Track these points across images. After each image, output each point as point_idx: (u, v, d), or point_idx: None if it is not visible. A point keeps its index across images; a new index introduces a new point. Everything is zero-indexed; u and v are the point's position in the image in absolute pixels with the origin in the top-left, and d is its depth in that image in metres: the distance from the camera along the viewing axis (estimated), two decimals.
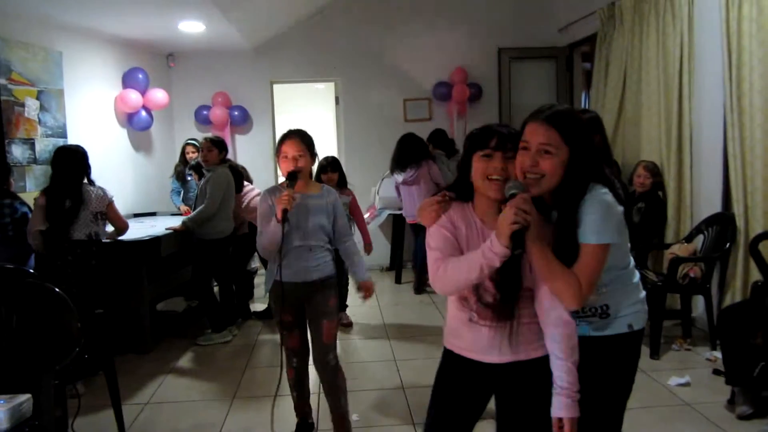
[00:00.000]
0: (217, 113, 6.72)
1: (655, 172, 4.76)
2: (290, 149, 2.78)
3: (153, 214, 5.99)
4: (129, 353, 4.37)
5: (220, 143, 4.67)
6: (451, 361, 1.87)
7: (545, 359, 1.73)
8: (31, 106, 4.51)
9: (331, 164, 4.73)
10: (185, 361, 4.35)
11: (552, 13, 6.99)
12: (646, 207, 4.67)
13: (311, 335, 2.89)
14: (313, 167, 2.97)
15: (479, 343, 1.78)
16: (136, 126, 5.98)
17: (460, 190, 1.81)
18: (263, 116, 7.10)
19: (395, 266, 6.79)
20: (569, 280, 1.65)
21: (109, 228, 4.08)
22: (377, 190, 6.62)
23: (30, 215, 3.84)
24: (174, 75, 6.92)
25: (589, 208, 1.67)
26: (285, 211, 2.61)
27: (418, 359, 4.20)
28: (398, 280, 6.56)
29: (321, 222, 2.83)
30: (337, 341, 2.93)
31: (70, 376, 2.84)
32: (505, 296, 1.71)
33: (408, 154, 5.77)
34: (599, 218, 1.66)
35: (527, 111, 1.79)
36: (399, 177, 5.81)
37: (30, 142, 4.51)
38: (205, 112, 6.81)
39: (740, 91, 4.04)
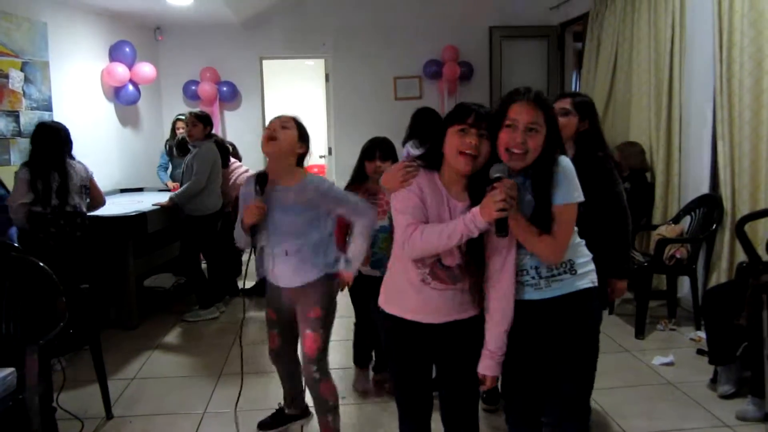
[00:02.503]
0: (206, 88, 6.64)
1: (636, 150, 4.80)
2: (277, 120, 2.44)
3: (140, 189, 5.93)
4: (115, 329, 4.36)
5: (205, 118, 4.61)
6: (396, 327, 1.98)
7: (478, 318, 1.92)
8: (16, 78, 4.44)
9: (383, 147, 3.20)
10: (172, 337, 4.34)
11: None
12: (632, 188, 4.68)
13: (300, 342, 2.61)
14: (299, 151, 2.47)
15: (428, 305, 1.90)
16: (123, 100, 5.90)
17: (431, 160, 1.89)
18: (252, 92, 7.03)
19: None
20: (546, 241, 1.84)
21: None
22: None
23: (8, 195, 3.78)
24: (162, 49, 6.82)
25: (560, 174, 1.85)
26: (253, 226, 2.39)
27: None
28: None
29: (294, 221, 2.40)
30: (327, 354, 2.60)
31: (55, 351, 2.83)
32: (470, 261, 1.85)
33: (427, 128, 5.63)
34: (569, 181, 1.85)
35: None
36: (414, 150, 5.66)
37: (14, 115, 4.44)
38: (193, 87, 6.73)
39: (730, 72, 4.03)
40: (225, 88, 6.77)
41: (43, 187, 3.67)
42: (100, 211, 4.18)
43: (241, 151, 5.61)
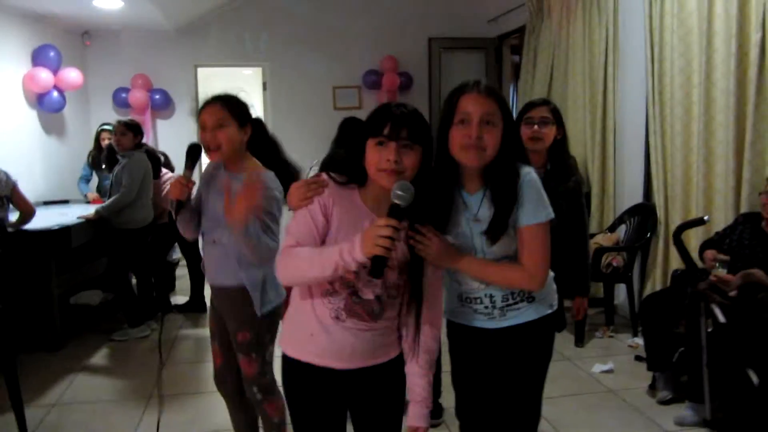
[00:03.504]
0: (137, 96, 6.37)
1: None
2: (208, 118, 2.12)
3: (65, 201, 5.62)
4: (37, 351, 4.07)
5: (134, 127, 4.40)
6: (298, 374, 1.64)
7: (397, 360, 1.67)
8: None
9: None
10: (99, 358, 4.09)
11: (482, 4, 7.00)
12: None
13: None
14: (245, 139, 2.20)
15: (336, 346, 1.58)
16: (47, 107, 5.58)
17: (349, 174, 1.59)
18: (187, 101, 6.79)
19: None
20: (516, 272, 1.69)
21: (13, 216, 3.80)
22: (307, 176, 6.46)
23: None
24: (90, 54, 6.51)
25: (526, 190, 1.66)
26: (178, 203, 2.12)
27: None
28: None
29: (220, 209, 2.08)
30: (269, 371, 2.32)
31: None
32: (401, 290, 1.60)
33: (353, 139, 5.59)
34: (537, 198, 1.67)
35: None
36: None
37: None
38: (123, 95, 6.45)
39: (662, 85, 4.14)
40: (157, 96, 6.52)
41: None
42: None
43: (173, 161, 5.39)
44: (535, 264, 1.67)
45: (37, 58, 5.44)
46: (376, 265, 1.39)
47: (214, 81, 7.98)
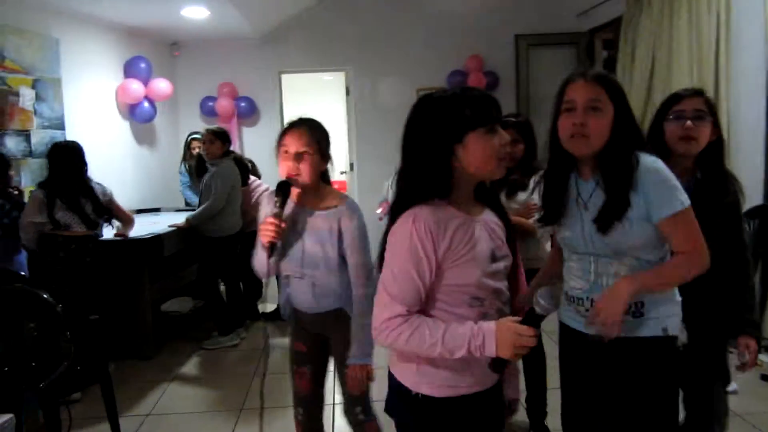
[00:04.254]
0: (223, 104, 6.44)
1: None
2: (293, 142, 2.01)
3: (157, 210, 5.73)
4: (130, 359, 4.11)
5: (222, 134, 4.40)
6: (449, 412, 1.46)
7: None
8: (26, 96, 4.25)
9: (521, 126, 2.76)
10: (190, 367, 4.08)
11: None
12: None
13: (339, 380, 2.24)
14: (325, 168, 2.13)
15: (485, 369, 1.41)
16: (139, 118, 5.71)
17: (437, 187, 1.42)
18: (271, 108, 6.82)
19: None
20: (682, 265, 1.60)
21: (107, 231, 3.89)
22: (390, 184, 6.33)
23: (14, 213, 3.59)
24: (178, 64, 6.65)
25: (649, 178, 1.56)
26: (272, 245, 1.98)
27: None
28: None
29: (317, 250, 2.04)
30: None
31: (62, 390, 2.59)
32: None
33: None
34: (665, 187, 1.56)
35: (546, 101, 1.73)
36: None
37: (25, 134, 4.25)
38: (210, 104, 6.54)
39: None
40: (243, 104, 6.57)
41: (72, 208, 3.55)
42: (112, 235, 3.97)
43: (260, 168, 5.39)
44: (692, 246, 1.58)
45: (129, 69, 5.57)
46: (500, 363, 1.37)
47: (297, 88, 8.06)
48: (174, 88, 6.12)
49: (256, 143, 6.73)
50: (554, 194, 1.70)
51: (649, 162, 1.58)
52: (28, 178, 4.22)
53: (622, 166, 1.57)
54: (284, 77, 6.96)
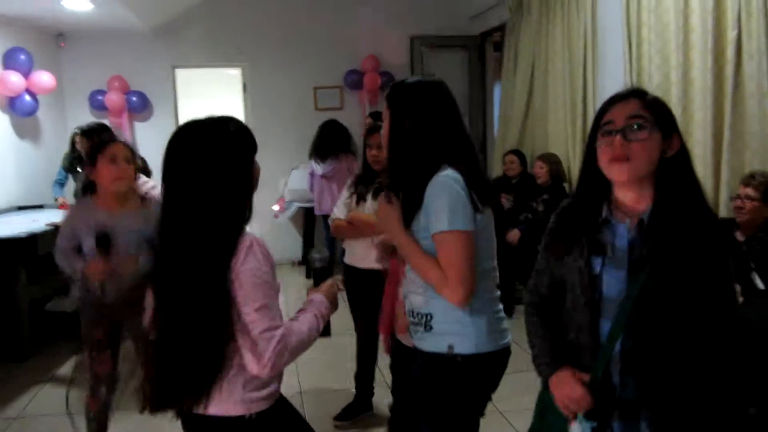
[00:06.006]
0: (113, 98, 6.26)
1: (552, 161, 4.80)
2: (120, 151, 2.44)
3: (40, 206, 5.52)
4: (3, 362, 3.98)
5: (92, 131, 4.21)
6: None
7: None
8: None
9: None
10: (68, 367, 3.99)
11: (464, 0, 6.91)
12: (550, 198, 4.68)
13: None
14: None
15: None
16: (19, 111, 5.48)
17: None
18: (165, 103, 6.69)
19: (306, 261, 6.58)
20: (438, 274, 1.57)
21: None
22: (286, 182, 6.39)
23: None
24: (65, 56, 6.39)
25: (432, 192, 1.57)
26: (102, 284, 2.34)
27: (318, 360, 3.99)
28: (309, 275, 6.35)
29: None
30: None
31: None
32: None
33: (329, 143, 5.53)
34: (445, 203, 1.55)
35: None
36: (318, 167, 5.54)
37: None
38: (99, 97, 6.34)
39: (640, 82, 4.05)
40: (134, 98, 6.41)
41: None
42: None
43: (151, 166, 5.28)
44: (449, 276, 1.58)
45: (8, 61, 5.33)
46: (326, 328, 1.58)
47: (194, 82, 7.93)
48: (60, 81, 5.90)
49: (149, 138, 6.57)
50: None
51: (440, 176, 1.58)
52: None
53: (415, 185, 1.62)
54: (179, 71, 6.85)
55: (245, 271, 1.38)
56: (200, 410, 1.45)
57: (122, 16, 5.61)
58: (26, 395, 3.54)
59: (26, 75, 5.40)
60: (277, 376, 1.57)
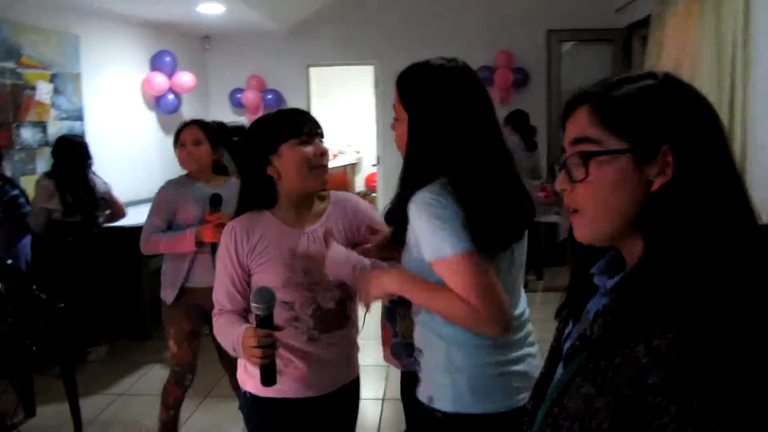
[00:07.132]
0: (250, 96, 6.62)
1: None
2: (187, 135, 2.88)
3: None
4: (126, 339, 4.36)
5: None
6: (274, 412, 1.62)
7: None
8: (43, 89, 4.53)
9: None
10: None
11: None
12: None
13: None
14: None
15: (320, 368, 1.61)
16: (164, 109, 5.97)
17: (254, 197, 1.61)
18: (298, 100, 6.91)
19: None
20: (464, 308, 1.21)
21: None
22: None
23: (20, 198, 3.88)
24: (210, 57, 6.87)
25: (413, 213, 1.28)
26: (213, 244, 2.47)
27: None
28: None
29: None
30: None
31: (20, 368, 2.82)
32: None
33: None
34: (430, 226, 1.25)
35: None
36: None
37: (41, 125, 4.54)
38: (238, 95, 6.74)
39: None
40: (270, 96, 6.72)
41: (74, 199, 3.82)
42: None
43: None
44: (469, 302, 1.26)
45: (155, 62, 5.82)
46: (266, 375, 1.40)
47: (327, 79, 8.15)
48: (203, 81, 6.34)
49: None
50: None
51: (421, 193, 1.29)
52: (43, 166, 4.51)
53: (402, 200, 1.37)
54: (314, 69, 7.07)
55: None
56: None
57: (254, 18, 5.88)
58: (137, 373, 3.84)
59: (169, 75, 5.86)
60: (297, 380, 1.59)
